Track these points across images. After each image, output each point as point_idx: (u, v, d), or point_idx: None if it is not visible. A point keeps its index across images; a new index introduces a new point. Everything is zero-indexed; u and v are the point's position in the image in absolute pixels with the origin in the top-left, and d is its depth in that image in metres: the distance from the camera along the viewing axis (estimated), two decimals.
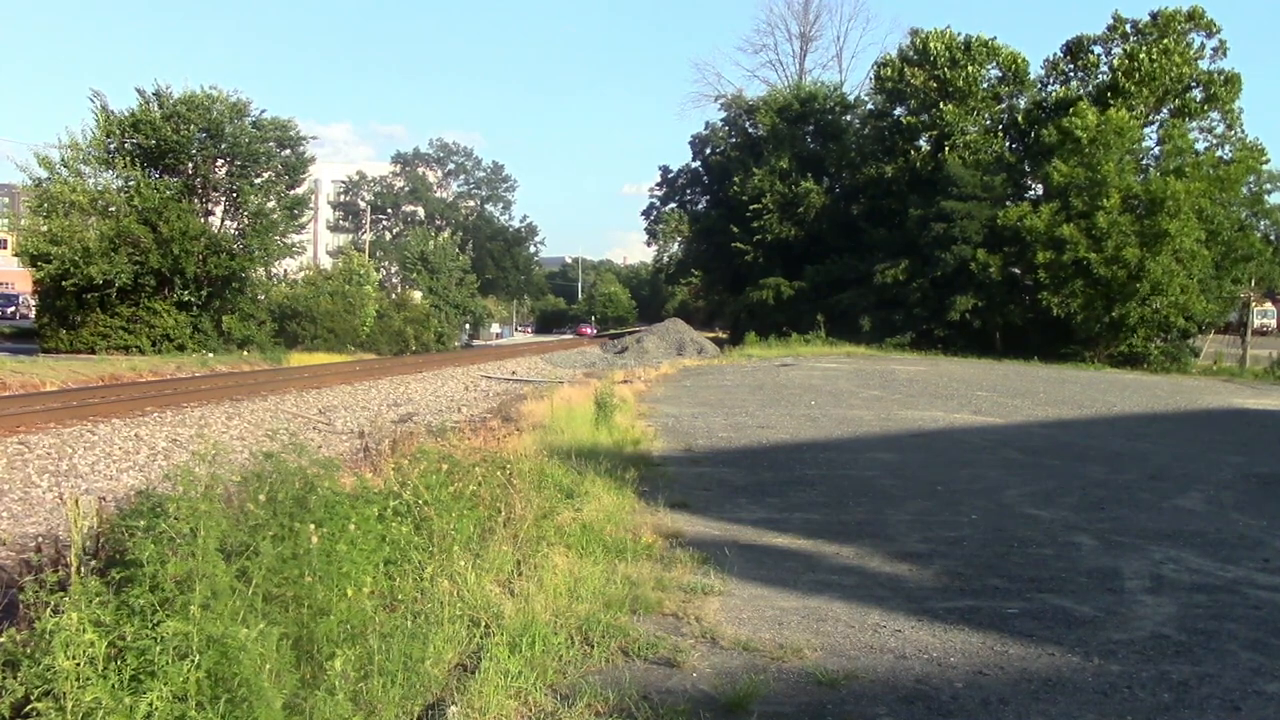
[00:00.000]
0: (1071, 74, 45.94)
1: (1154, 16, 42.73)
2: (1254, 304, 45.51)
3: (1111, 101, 41.56)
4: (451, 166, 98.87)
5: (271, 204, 35.99)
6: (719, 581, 6.20)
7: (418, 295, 55.64)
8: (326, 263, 54.92)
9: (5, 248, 52.60)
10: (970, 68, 44.89)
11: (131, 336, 31.98)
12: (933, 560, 7.12)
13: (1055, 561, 7.14)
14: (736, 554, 6.96)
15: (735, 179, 52.42)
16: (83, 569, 3.72)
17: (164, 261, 31.65)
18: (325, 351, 36.15)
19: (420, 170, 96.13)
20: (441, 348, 48.58)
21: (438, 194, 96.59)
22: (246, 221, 35.27)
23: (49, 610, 3.25)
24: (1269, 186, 42.22)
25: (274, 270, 38.79)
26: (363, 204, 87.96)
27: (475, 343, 66.53)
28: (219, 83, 50.11)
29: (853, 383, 24.63)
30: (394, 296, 51.67)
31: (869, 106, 53.73)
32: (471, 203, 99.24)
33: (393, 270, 67.57)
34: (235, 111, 34.41)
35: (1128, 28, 43.62)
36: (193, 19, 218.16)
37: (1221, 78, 42.38)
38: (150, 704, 3.12)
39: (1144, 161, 41.96)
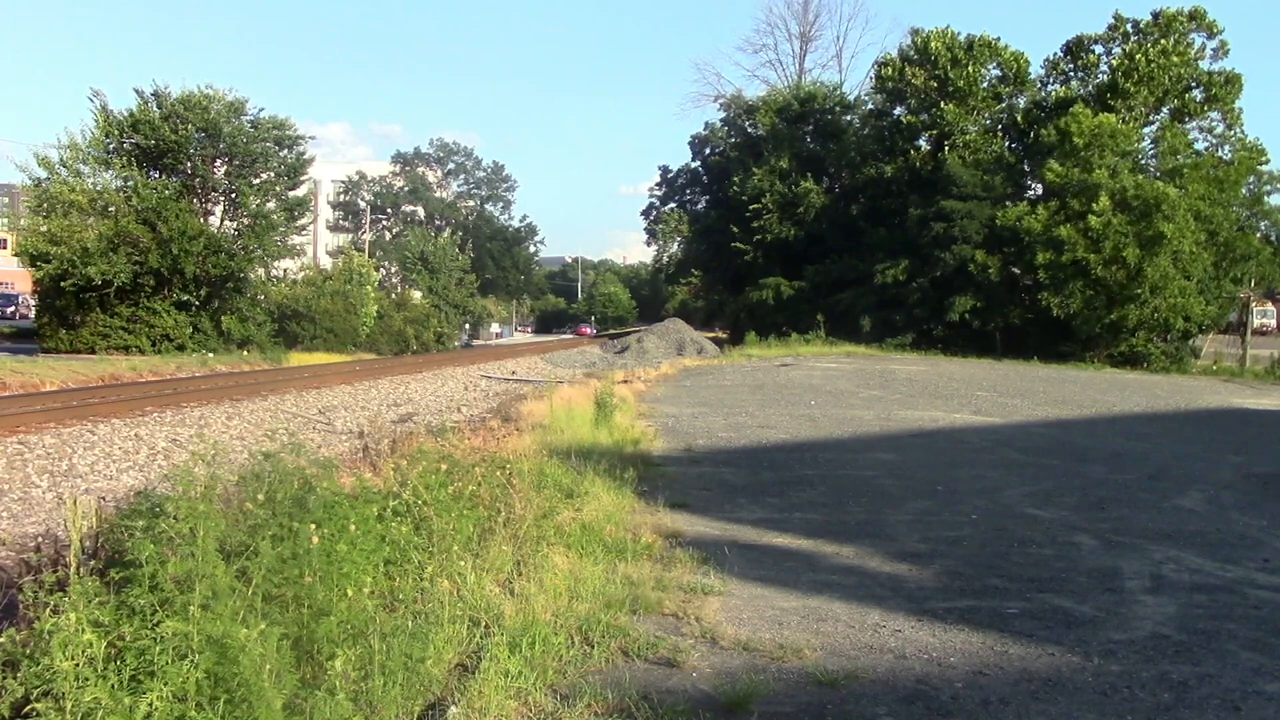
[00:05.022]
0: (1072, 74, 45.96)
1: (1155, 16, 42.73)
2: (1254, 304, 45.50)
3: (1111, 102, 41.60)
4: (451, 166, 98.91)
5: (271, 205, 35.98)
6: (719, 581, 6.20)
7: (418, 295, 55.66)
8: (326, 263, 54.90)
9: (5, 248, 52.60)
10: (971, 67, 44.89)
11: (131, 336, 31.96)
12: (933, 560, 7.11)
13: (1055, 561, 7.14)
14: (736, 554, 6.95)
15: (735, 179, 52.43)
16: (81, 569, 3.71)
17: (163, 261, 31.63)
18: (325, 351, 36.15)
19: (420, 170, 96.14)
20: (441, 348, 48.59)
21: (438, 194, 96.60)
22: (246, 222, 35.27)
23: (48, 610, 3.25)
24: (1269, 187, 42.25)
25: (274, 271, 38.78)
26: (362, 204, 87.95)
27: (475, 343, 66.52)
28: (215, 82, 50.20)
29: (852, 383, 24.63)
30: (394, 296, 51.67)
31: (869, 106, 53.77)
32: (471, 203, 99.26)
33: (393, 270, 67.55)
34: (232, 110, 34.39)
35: (1129, 28, 43.62)
36: (190, 19, 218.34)
37: (1222, 78, 42.38)
38: (150, 704, 3.11)
39: (1143, 162, 41.97)
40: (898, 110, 48.98)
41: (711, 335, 60.44)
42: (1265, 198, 42.26)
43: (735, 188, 51.83)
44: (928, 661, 4.99)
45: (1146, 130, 42.92)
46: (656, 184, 69.82)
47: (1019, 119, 45.83)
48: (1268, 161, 41.67)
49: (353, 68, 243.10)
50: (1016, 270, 41.17)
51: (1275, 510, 9.53)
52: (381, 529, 4.97)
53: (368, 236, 79.19)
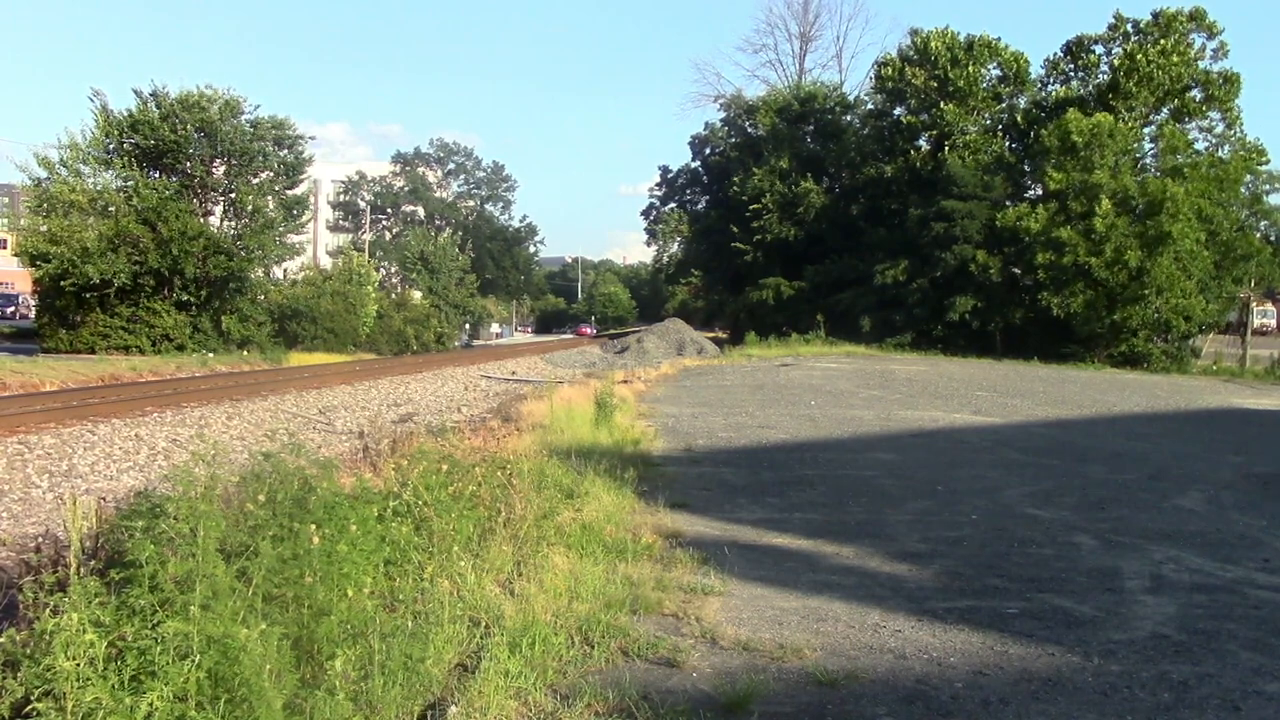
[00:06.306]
0: (1072, 74, 45.96)
1: (1155, 16, 42.74)
2: (1254, 304, 45.50)
3: (1112, 102, 41.60)
4: (451, 166, 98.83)
5: (270, 204, 35.98)
6: (719, 581, 6.20)
7: (418, 295, 55.60)
8: (326, 263, 54.87)
9: (5, 248, 52.61)
10: (971, 67, 44.90)
11: (131, 336, 31.97)
12: (933, 560, 7.11)
13: (1055, 561, 7.14)
14: (736, 554, 6.96)
15: (735, 179, 52.43)
16: (82, 569, 3.71)
17: (163, 261, 31.64)
18: (325, 351, 36.15)
19: (420, 170, 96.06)
20: (441, 348, 48.57)
21: (438, 194, 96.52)
22: (245, 222, 35.28)
23: (48, 611, 3.25)
24: (1268, 187, 42.27)
25: (274, 271, 38.74)
26: (362, 204, 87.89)
27: (475, 343, 66.51)
28: (215, 82, 50.14)
29: (852, 383, 24.63)
30: (394, 296, 51.63)
31: (869, 106, 53.78)
32: (471, 203, 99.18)
33: (393, 270, 67.50)
34: (230, 110, 34.40)
35: (1129, 28, 43.62)
36: (190, 19, 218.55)
37: (1220, 78, 42.40)
38: (150, 704, 3.12)
39: (1143, 162, 41.98)
40: (898, 110, 48.97)
41: (711, 335, 60.42)
42: (1265, 197, 42.32)
43: (735, 188, 51.83)
44: (928, 661, 4.99)
45: (1146, 130, 42.93)
46: (656, 184, 69.94)
47: (1019, 119, 45.83)
48: (1267, 161, 41.75)
49: (353, 68, 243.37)
50: (1017, 270, 41.18)
51: (1275, 510, 9.53)
52: (382, 529, 4.97)
53: (368, 236, 79.14)
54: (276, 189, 36.46)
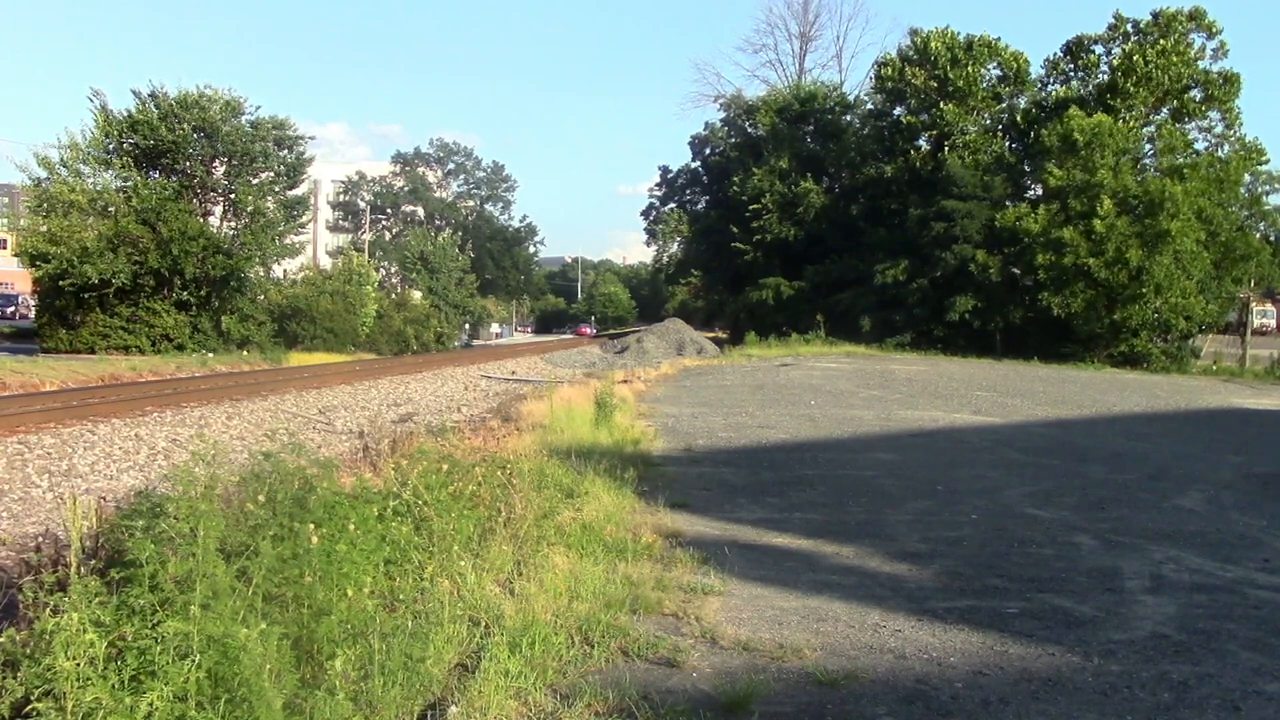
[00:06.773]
0: (1072, 74, 45.96)
1: (1155, 16, 42.73)
2: (1254, 304, 45.51)
3: (1111, 102, 41.60)
4: (451, 166, 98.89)
5: (270, 204, 35.99)
6: (719, 581, 6.20)
7: (418, 295, 55.61)
8: (326, 263, 54.84)
9: (5, 248, 52.61)
10: (971, 67, 44.89)
11: (131, 336, 31.98)
12: (933, 560, 7.11)
13: (1055, 561, 7.14)
14: (736, 554, 6.96)
15: (735, 179, 52.41)
16: (82, 569, 3.71)
17: (163, 261, 31.65)
18: (325, 351, 36.14)
19: (420, 170, 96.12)
20: (441, 348, 48.56)
21: (437, 194, 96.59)
22: (245, 222, 35.29)
23: (48, 610, 3.25)
24: (1268, 187, 42.27)
25: (274, 271, 38.74)
26: (362, 204, 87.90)
27: (475, 343, 66.51)
28: (215, 82, 50.24)
29: (852, 383, 24.63)
30: (394, 296, 51.63)
31: (869, 106, 53.75)
32: (471, 203, 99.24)
33: (392, 270, 67.52)
34: (230, 110, 34.40)
35: (1129, 28, 43.61)
36: (190, 19, 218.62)
37: (1220, 78, 42.40)
38: (150, 704, 3.12)
39: (1143, 161, 42.00)
40: (898, 110, 48.95)
41: (711, 335, 60.41)
42: (1264, 198, 42.32)
43: (735, 188, 51.81)
44: (928, 661, 4.99)
45: (1146, 130, 42.93)
46: (656, 184, 69.98)
47: (1019, 119, 45.82)
48: (1267, 161, 41.74)
49: (353, 68, 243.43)
50: (1017, 270, 41.18)
51: (1275, 510, 9.53)
52: (381, 529, 4.97)
53: (368, 236, 79.14)
54: (276, 189, 36.46)
